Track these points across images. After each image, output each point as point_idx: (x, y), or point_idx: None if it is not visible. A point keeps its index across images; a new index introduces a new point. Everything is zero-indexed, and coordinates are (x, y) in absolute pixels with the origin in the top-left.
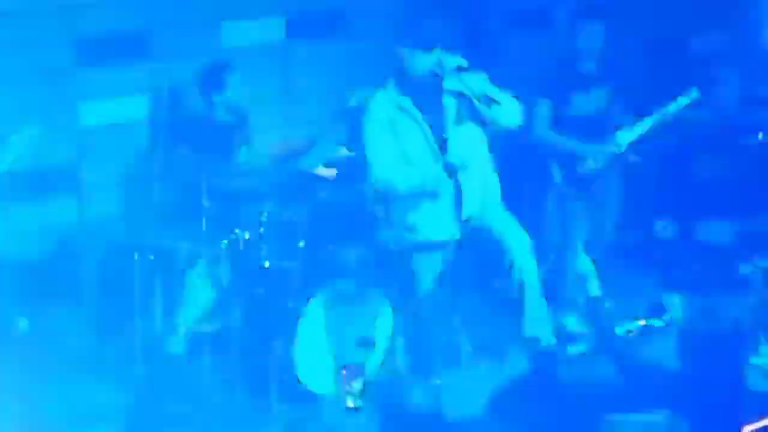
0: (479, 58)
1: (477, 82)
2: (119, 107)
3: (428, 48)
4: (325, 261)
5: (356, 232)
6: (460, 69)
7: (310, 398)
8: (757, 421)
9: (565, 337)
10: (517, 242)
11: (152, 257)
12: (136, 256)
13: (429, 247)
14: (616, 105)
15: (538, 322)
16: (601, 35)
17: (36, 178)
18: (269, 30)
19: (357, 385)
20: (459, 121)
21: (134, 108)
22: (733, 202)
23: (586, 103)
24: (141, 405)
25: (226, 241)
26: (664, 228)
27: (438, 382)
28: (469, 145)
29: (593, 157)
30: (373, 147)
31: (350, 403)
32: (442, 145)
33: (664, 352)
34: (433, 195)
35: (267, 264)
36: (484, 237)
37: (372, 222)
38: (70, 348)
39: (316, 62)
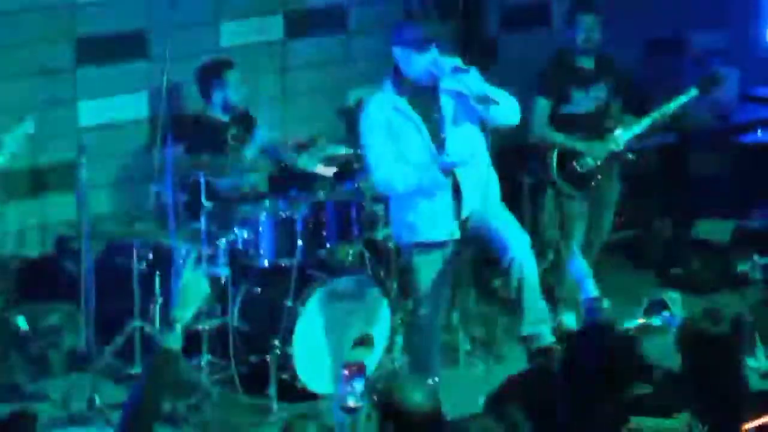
0: (477, 57)
1: (474, 82)
2: (118, 106)
3: (425, 48)
4: (324, 260)
5: (355, 231)
6: (456, 69)
7: (309, 398)
8: (755, 419)
9: (564, 336)
10: (517, 241)
11: (151, 256)
12: (134, 255)
13: (428, 246)
14: (614, 103)
15: (537, 321)
16: (600, 32)
17: (34, 177)
18: (268, 29)
19: (358, 384)
20: (456, 120)
21: (133, 107)
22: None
23: (585, 100)
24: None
25: (224, 240)
26: (662, 226)
27: (436, 381)
28: (468, 144)
29: (592, 156)
30: (372, 147)
31: (351, 404)
32: (441, 145)
33: (664, 351)
34: (432, 195)
35: (266, 263)
36: (483, 236)
37: (371, 221)
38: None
39: (315, 61)
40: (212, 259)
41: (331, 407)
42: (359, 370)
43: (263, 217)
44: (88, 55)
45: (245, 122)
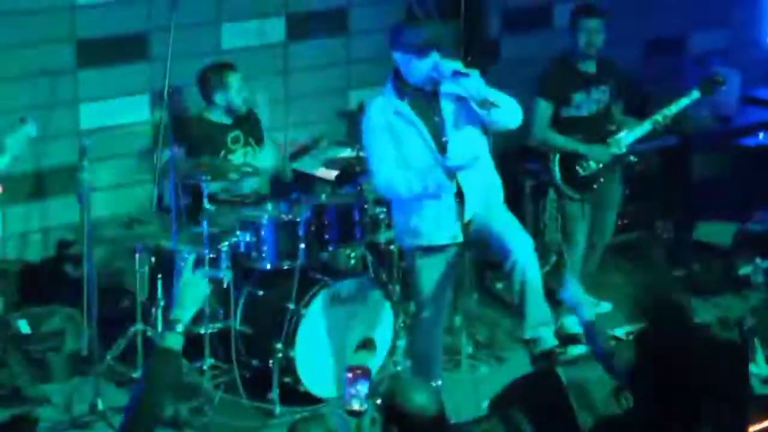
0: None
1: (475, 85)
2: (119, 108)
3: (425, 53)
4: (326, 263)
5: (357, 234)
6: (457, 73)
7: (312, 401)
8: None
9: (566, 338)
10: (519, 244)
11: (153, 259)
12: (137, 258)
13: (431, 249)
14: (616, 106)
15: (539, 324)
16: (603, 36)
17: (36, 180)
18: (269, 31)
19: (362, 388)
20: (458, 124)
21: (134, 109)
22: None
23: (587, 103)
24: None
25: (227, 243)
26: (664, 229)
27: (439, 384)
28: (470, 147)
29: (594, 158)
30: (373, 150)
31: (356, 407)
32: (442, 148)
33: None
34: (435, 198)
35: (268, 266)
36: (485, 239)
37: (373, 224)
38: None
39: (316, 64)
40: (214, 262)
41: (333, 411)
42: (363, 373)
43: (265, 220)
44: (89, 57)
45: (247, 124)
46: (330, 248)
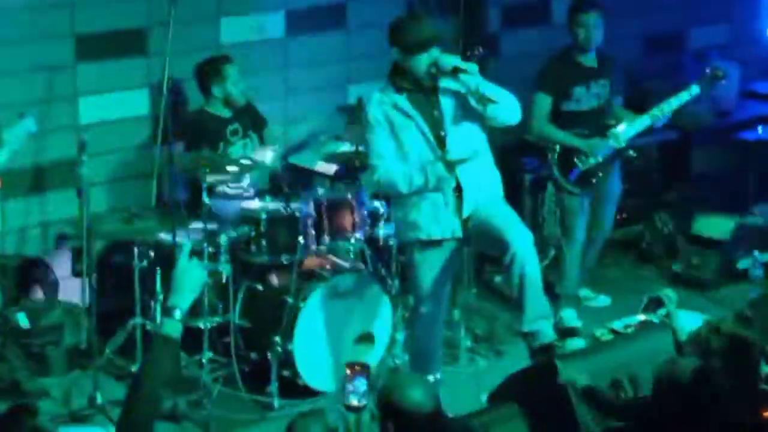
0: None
1: (474, 81)
2: (118, 103)
3: (424, 49)
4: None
5: (356, 228)
6: (456, 68)
7: (310, 395)
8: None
9: (564, 332)
10: (518, 238)
11: (152, 253)
12: (135, 252)
13: (430, 243)
14: (615, 100)
15: (538, 317)
16: (602, 30)
17: (35, 174)
18: (268, 26)
19: (361, 383)
20: (457, 118)
21: (133, 103)
22: (732, 197)
23: (586, 97)
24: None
25: (225, 237)
26: (663, 222)
27: (438, 378)
28: (468, 142)
29: (593, 153)
30: (373, 145)
31: (354, 403)
32: (441, 142)
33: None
34: (434, 193)
35: (266, 260)
36: (484, 233)
37: (372, 218)
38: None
39: (315, 59)
40: (213, 256)
41: (332, 407)
42: (362, 369)
43: (264, 214)
44: (89, 52)
45: (247, 116)
46: (328, 242)
